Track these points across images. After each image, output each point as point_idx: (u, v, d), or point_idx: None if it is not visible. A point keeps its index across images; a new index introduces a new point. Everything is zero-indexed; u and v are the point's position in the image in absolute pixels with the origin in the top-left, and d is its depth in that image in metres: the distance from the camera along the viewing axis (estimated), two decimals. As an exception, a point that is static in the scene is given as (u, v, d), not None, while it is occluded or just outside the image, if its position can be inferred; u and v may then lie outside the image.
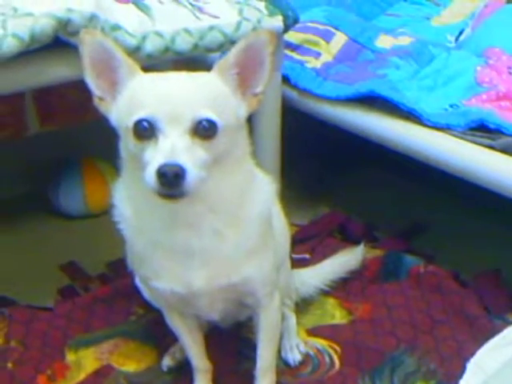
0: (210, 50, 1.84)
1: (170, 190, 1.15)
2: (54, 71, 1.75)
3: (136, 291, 1.84)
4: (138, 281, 1.79)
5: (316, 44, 2.31)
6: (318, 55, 2.31)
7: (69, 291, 2.11)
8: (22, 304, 1.99)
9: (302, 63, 2.24)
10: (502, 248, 2.13)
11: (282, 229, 1.61)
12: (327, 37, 2.32)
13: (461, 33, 2.45)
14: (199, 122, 1.18)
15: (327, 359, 1.78)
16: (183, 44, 1.79)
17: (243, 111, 1.28)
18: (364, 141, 2.11)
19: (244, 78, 1.27)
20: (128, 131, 1.22)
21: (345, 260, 2.01)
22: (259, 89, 1.28)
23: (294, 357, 1.77)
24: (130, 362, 1.79)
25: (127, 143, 1.25)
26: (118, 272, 2.10)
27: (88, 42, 1.27)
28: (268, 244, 1.44)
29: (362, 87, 2.02)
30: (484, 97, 2.03)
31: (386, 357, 1.75)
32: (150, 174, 1.15)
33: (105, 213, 2.44)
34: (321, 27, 2.32)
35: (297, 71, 2.20)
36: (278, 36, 1.95)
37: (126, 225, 1.39)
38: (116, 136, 1.31)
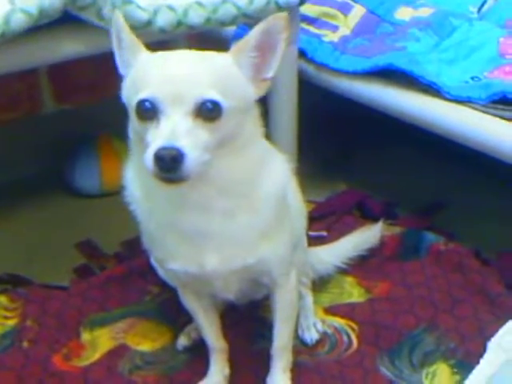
0: (223, 23, 1.80)
1: (167, 173, 1.12)
2: (66, 47, 1.73)
3: (151, 270, 1.82)
4: (153, 260, 1.79)
5: (334, 17, 2.26)
6: (335, 29, 2.26)
7: (84, 270, 2.09)
8: (37, 283, 1.98)
9: (319, 37, 2.19)
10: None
11: (298, 207, 1.57)
12: (345, 9, 2.27)
13: (483, 4, 2.37)
14: (203, 103, 1.14)
15: (345, 338, 1.75)
16: (196, 17, 1.75)
17: (252, 94, 1.24)
18: (383, 116, 2.06)
19: (258, 62, 1.23)
20: (132, 111, 1.19)
21: (363, 237, 1.97)
22: (269, 74, 1.24)
23: (312, 336, 1.74)
24: (146, 341, 1.77)
25: (133, 123, 1.23)
26: (134, 251, 2.07)
27: (113, 22, 1.27)
28: (284, 223, 1.41)
29: (381, 60, 1.97)
30: (507, 69, 1.97)
31: (405, 335, 1.72)
32: (149, 157, 1.12)
33: (120, 191, 2.46)
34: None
35: (314, 45, 2.16)
36: (293, 9, 1.93)
37: (138, 206, 1.37)
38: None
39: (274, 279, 1.47)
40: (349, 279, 1.94)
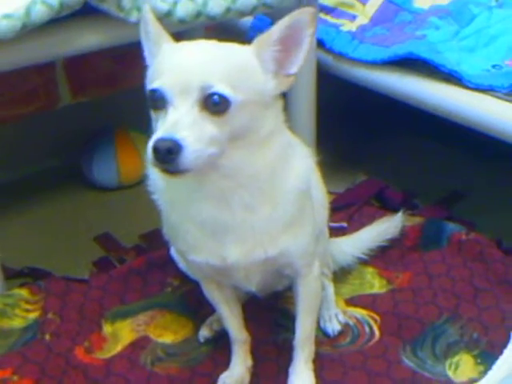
0: (243, 13, 1.79)
1: (164, 165, 1.12)
2: (86, 39, 1.73)
3: (171, 262, 1.83)
4: (173, 251, 1.79)
5: (351, 6, 2.25)
6: (353, 18, 2.25)
7: (104, 263, 2.10)
8: (57, 276, 1.98)
9: (337, 26, 2.18)
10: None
11: (321, 198, 1.56)
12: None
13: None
14: (209, 96, 1.13)
15: (367, 329, 1.74)
16: (216, 7, 1.74)
17: (272, 89, 1.22)
18: (402, 106, 2.05)
19: (281, 57, 1.21)
20: (148, 101, 1.19)
21: (383, 228, 1.96)
22: (293, 70, 1.22)
23: (333, 327, 1.73)
24: (167, 333, 1.77)
25: (151, 111, 1.22)
26: (153, 243, 2.09)
27: (142, 19, 1.28)
28: (306, 216, 1.39)
29: (400, 49, 1.96)
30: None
31: (428, 326, 1.71)
32: (149, 148, 1.11)
33: (137, 184, 2.47)
34: (356, -11, 2.25)
35: (332, 35, 2.14)
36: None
37: (160, 196, 1.36)
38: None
39: (296, 270, 1.46)
40: (370, 270, 1.93)
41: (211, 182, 1.23)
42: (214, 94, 1.13)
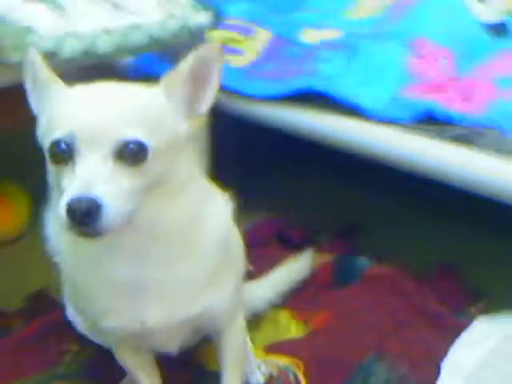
0: (135, 51, 1.67)
1: (82, 227, 0.98)
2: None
3: (66, 325, 1.64)
4: (70, 313, 1.61)
5: (236, 41, 2.19)
6: (239, 53, 2.18)
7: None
8: None
9: (225, 63, 2.10)
10: (446, 241, 2.07)
11: (239, 246, 1.44)
12: (247, 32, 2.20)
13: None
14: (125, 145, 1.01)
15: (291, 378, 1.63)
16: (105, 46, 1.61)
17: (184, 131, 1.11)
18: (299, 141, 1.99)
19: (191, 96, 1.11)
20: (47, 154, 1.05)
21: (294, 269, 1.88)
22: (203, 109, 1.13)
23: (258, 380, 1.62)
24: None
25: (48, 167, 1.08)
26: (39, 306, 1.92)
27: (27, 63, 1.12)
28: (229, 266, 1.29)
29: (297, 84, 1.90)
30: (418, 88, 1.96)
31: (355, 368, 1.63)
32: (62, 208, 0.97)
33: (13, 242, 2.24)
34: (241, 24, 2.19)
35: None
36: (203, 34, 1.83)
37: (63, 259, 1.21)
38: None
39: (220, 325, 1.36)
40: (284, 313, 1.84)
41: (125, 238, 1.09)
42: (129, 142, 1.01)
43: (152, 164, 1.03)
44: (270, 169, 2.59)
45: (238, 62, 2.12)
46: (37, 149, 1.10)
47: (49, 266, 2.09)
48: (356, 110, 1.83)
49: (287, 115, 1.94)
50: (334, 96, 1.84)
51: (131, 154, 1.01)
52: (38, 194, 2.40)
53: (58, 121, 1.03)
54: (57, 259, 1.22)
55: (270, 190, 2.50)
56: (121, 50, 1.63)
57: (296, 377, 1.64)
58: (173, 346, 1.33)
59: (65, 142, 1.00)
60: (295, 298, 1.86)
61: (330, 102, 1.87)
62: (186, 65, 1.10)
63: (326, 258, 1.99)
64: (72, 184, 0.98)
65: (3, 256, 2.21)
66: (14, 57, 1.50)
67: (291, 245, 2.13)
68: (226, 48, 2.15)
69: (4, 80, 1.57)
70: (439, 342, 1.66)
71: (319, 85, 1.87)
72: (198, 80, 1.11)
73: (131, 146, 1.01)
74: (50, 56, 1.53)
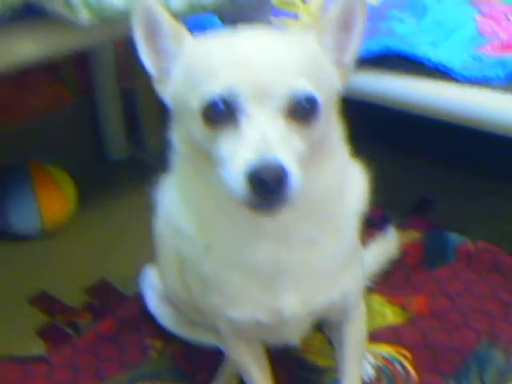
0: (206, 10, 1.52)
1: (269, 199, 0.85)
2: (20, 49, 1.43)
3: (145, 320, 1.55)
4: (152, 305, 1.52)
5: (292, 5, 2.03)
6: (295, 17, 2.02)
7: (52, 331, 1.74)
8: (4, 359, 1.58)
9: (282, 28, 1.94)
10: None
11: None
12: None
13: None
14: (298, 99, 0.88)
15: (399, 368, 1.51)
16: (178, 3, 1.46)
17: (338, 84, 1.00)
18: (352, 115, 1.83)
19: (340, 43, 1.00)
20: (192, 114, 0.91)
21: (383, 248, 1.73)
22: (349, 58, 1.01)
23: (367, 372, 1.48)
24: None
25: (191, 130, 0.94)
26: (105, 298, 1.81)
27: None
28: (358, 245, 1.17)
29: (373, 45, 1.73)
30: (488, 48, 1.81)
31: (468, 354, 1.50)
32: (236, 179, 0.85)
33: (64, 229, 2.10)
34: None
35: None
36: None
37: (189, 243, 1.07)
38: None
39: (347, 313, 1.23)
40: (376, 298, 1.69)
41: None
42: (302, 96, 0.88)
43: (319, 123, 0.92)
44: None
45: (295, 26, 1.96)
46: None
47: (101, 256, 2.00)
48: (442, 71, 1.67)
49: (363, 81, 1.76)
50: (417, 56, 1.67)
51: (304, 109, 0.89)
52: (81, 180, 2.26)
53: (209, 73, 0.90)
54: (171, 242, 1.15)
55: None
56: (194, 7, 1.48)
57: (404, 367, 1.51)
58: (296, 337, 1.22)
59: (223, 100, 0.87)
60: (385, 281, 1.73)
61: (405, 66, 1.71)
62: (334, 11, 0.99)
63: (414, 236, 1.85)
64: (243, 149, 0.85)
65: (56, 246, 2.10)
66: (82, 18, 1.36)
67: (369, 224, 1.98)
68: (280, 12, 2.00)
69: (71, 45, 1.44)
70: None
71: (397, 45, 1.70)
72: (346, 27, 1.00)
73: (303, 100, 0.89)
74: (122, 14, 1.39)
